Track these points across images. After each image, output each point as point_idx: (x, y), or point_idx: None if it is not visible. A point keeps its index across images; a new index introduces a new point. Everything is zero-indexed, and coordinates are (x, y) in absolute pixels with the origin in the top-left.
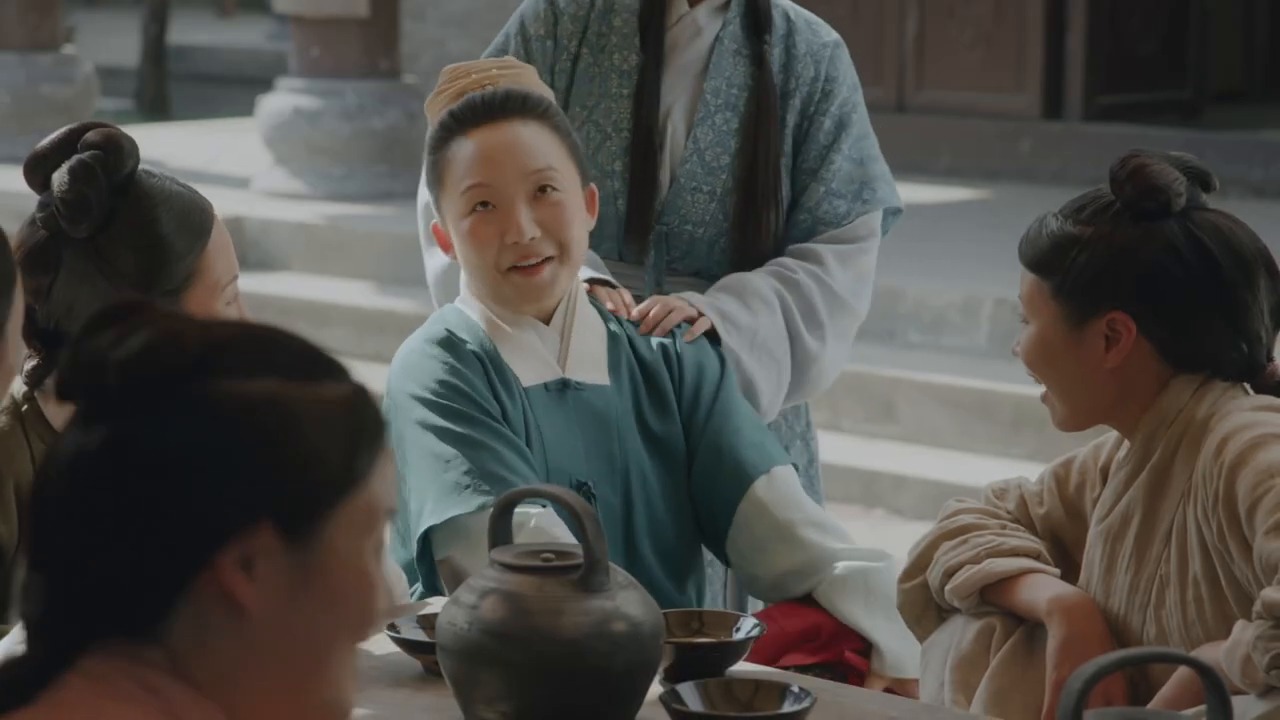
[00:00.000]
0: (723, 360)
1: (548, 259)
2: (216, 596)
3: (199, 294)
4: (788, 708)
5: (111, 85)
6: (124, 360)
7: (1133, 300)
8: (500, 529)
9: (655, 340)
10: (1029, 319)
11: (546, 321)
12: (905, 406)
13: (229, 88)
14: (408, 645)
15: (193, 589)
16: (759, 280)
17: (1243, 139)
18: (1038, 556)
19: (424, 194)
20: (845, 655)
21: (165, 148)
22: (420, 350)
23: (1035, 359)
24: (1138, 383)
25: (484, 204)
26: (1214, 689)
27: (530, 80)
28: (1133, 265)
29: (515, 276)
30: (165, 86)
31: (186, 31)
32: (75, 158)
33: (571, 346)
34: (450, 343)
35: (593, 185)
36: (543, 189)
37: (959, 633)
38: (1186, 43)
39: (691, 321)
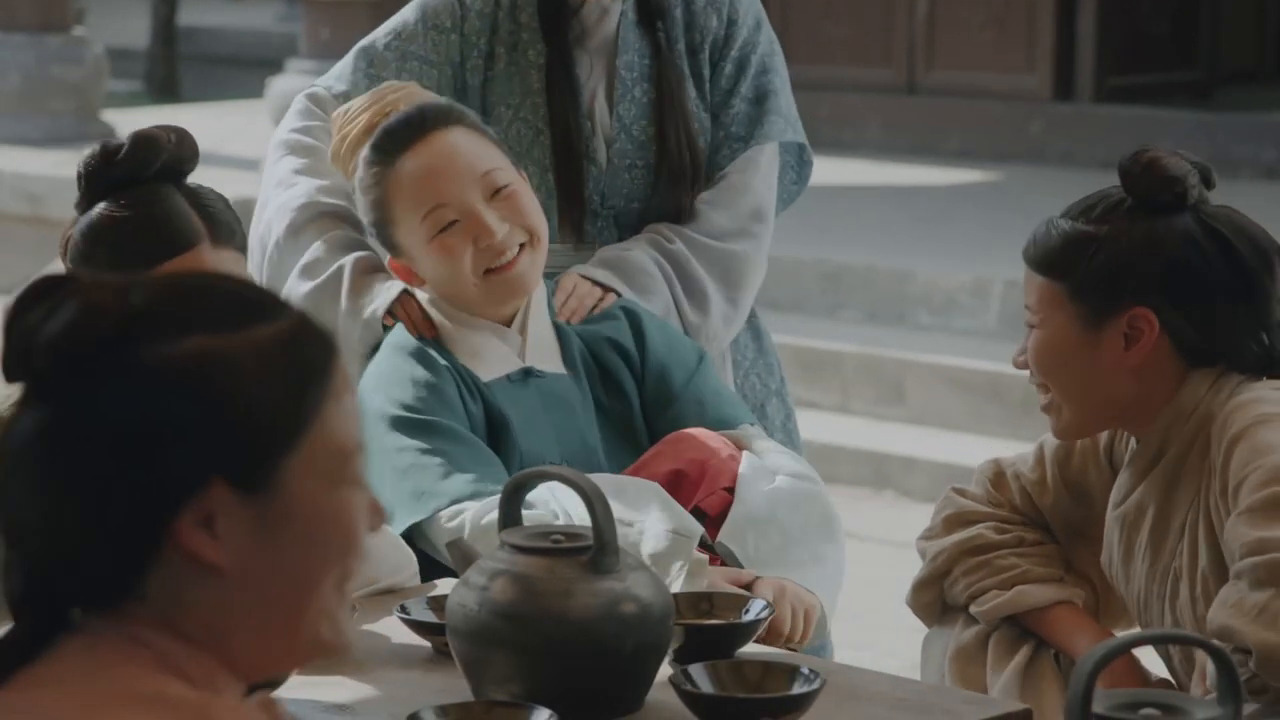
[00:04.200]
0: (700, 354)
1: (520, 247)
2: (185, 558)
3: None
4: (797, 689)
5: (121, 67)
6: (50, 339)
7: (1154, 295)
8: (510, 511)
9: (614, 339)
10: (1039, 324)
11: (506, 324)
12: (915, 388)
13: (239, 69)
14: (418, 627)
15: (160, 553)
16: (640, 254)
17: (1255, 120)
18: (1060, 580)
19: (283, 130)
20: (702, 502)
21: None
22: (389, 362)
23: (1047, 364)
24: (1154, 381)
25: (449, 222)
26: (1225, 671)
27: (420, 95)
28: (1154, 259)
29: (493, 278)
30: (175, 68)
31: (196, 13)
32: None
33: (529, 339)
34: (421, 353)
35: (523, 170)
36: (496, 190)
37: (959, 628)
38: (1198, 24)
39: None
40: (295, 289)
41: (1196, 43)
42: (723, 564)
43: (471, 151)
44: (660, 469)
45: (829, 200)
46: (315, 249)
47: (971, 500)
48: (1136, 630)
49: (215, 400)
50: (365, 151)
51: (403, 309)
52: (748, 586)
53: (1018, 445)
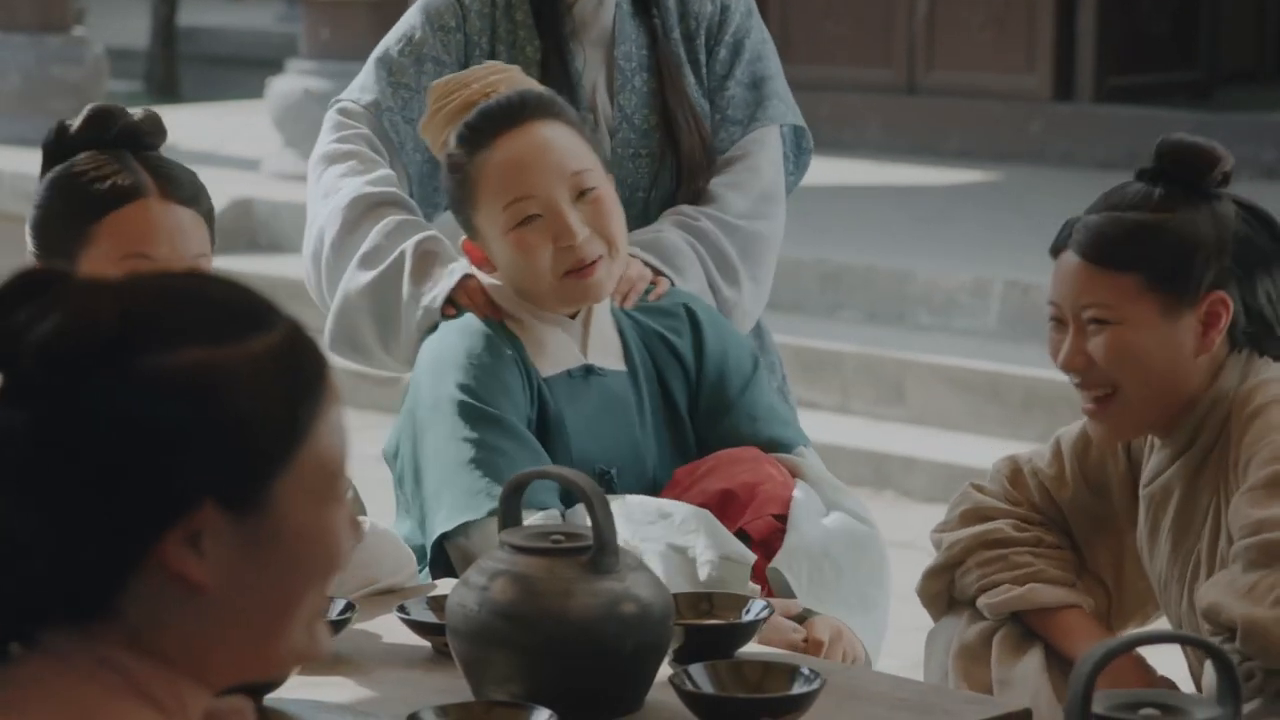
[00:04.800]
0: (756, 361)
1: (599, 258)
2: (168, 575)
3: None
4: (797, 689)
5: (121, 67)
6: (42, 340)
7: (1229, 277)
8: (509, 511)
9: (674, 340)
10: (1114, 320)
11: (573, 317)
12: (915, 388)
13: (239, 69)
14: (418, 627)
15: (141, 569)
16: (672, 235)
17: (1255, 120)
18: (1073, 586)
19: (319, 147)
20: (747, 525)
21: (175, 130)
22: (453, 342)
23: (1125, 360)
24: (1210, 368)
25: (531, 216)
26: (1224, 671)
27: (522, 80)
28: (1225, 240)
29: (571, 280)
30: (175, 68)
31: (196, 13)
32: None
33: (592, 334)
34: (489, 340)
35: (612, 173)
36: (584, 191)
37: (962, 624)
38: (1198, 23)
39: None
40: (356, 280)
41: (1196, 43)
42: (771, 592)
43: (565, 148)
44: (711, 487)
45: (829, 200)
46: (373, 237)
47: (989, 497)
48: (1135, 632)
49: (212, 415)
50: (459, 128)
51: (465, 294)
52: (799, 619)
53: (1017, 445)
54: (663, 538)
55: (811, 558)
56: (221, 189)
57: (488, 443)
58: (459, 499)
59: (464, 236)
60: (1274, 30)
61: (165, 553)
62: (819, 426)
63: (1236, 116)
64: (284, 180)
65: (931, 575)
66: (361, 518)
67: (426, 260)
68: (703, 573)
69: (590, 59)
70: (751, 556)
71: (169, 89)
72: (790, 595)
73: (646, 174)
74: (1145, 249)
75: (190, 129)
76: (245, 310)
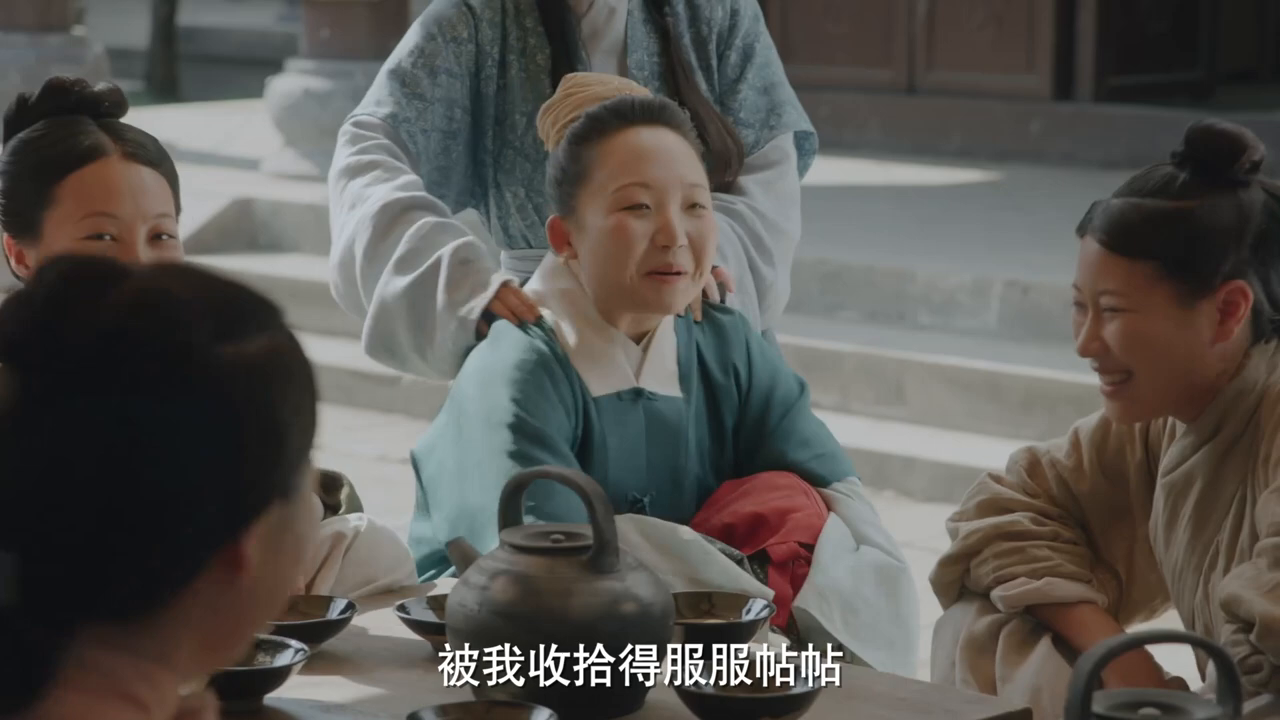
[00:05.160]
0: (802, 385)
1: (684, 272)
2: (217, 574)
3: (59, 220)
4: (797, 689)
5: (121, 67)
6: (110, 332)
7: (1247, 267)
8: (510, 510)
9: (731, 359)
10: (1129, 307)
11: (638, 342)
12: (915, 388)
13: (239, 69)
14: (418, 627)
15: (205, 568)
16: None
17: (1255, 120)
18: (1089, 583)
19: (339, 161)
20: (771, 548)
21: (175, 129)
22: (509, 353)
23: (1139, 346)
24: (1230, 357)
25: (640, 204)
26: (1225, 671)
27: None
28: (1244, 231)
29: (654, 280)
30: (175, 68)
31: (197, 13)
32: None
33: (649, 357)
34: (545, 356)
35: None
36: (692, 205)
37: (971, 615)
38: (1198, 23)
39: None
40: (392, 285)
41: (1196, 42)
42: (783, 628)
43: (689, 159)
44: (744, 509)
45: (829, 200)
46: (406, 241)
47: (1007, 488)
48: (1136, 632)
49: (284, 403)
50: (596, 107)
51: (503, 305)
52: None
53: (1017, 445)
54: (681, 573)
55: (842, 599)
56: (221, 189)
57: (535, 458)
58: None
59: (554, 214)
60: (1274, 30)
61: (236, 551)
62: None
63: (1236, 116)
64: (284, 180)
65: (947, 563)
66: (359, 515)
67: (463, 269)
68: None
69: (603, 67)
70: (768, 592)
71: (169, 89)
72: (821, 633)
73: None
74: (1161, 236)
75: (190, 129)
76: (265, 300)
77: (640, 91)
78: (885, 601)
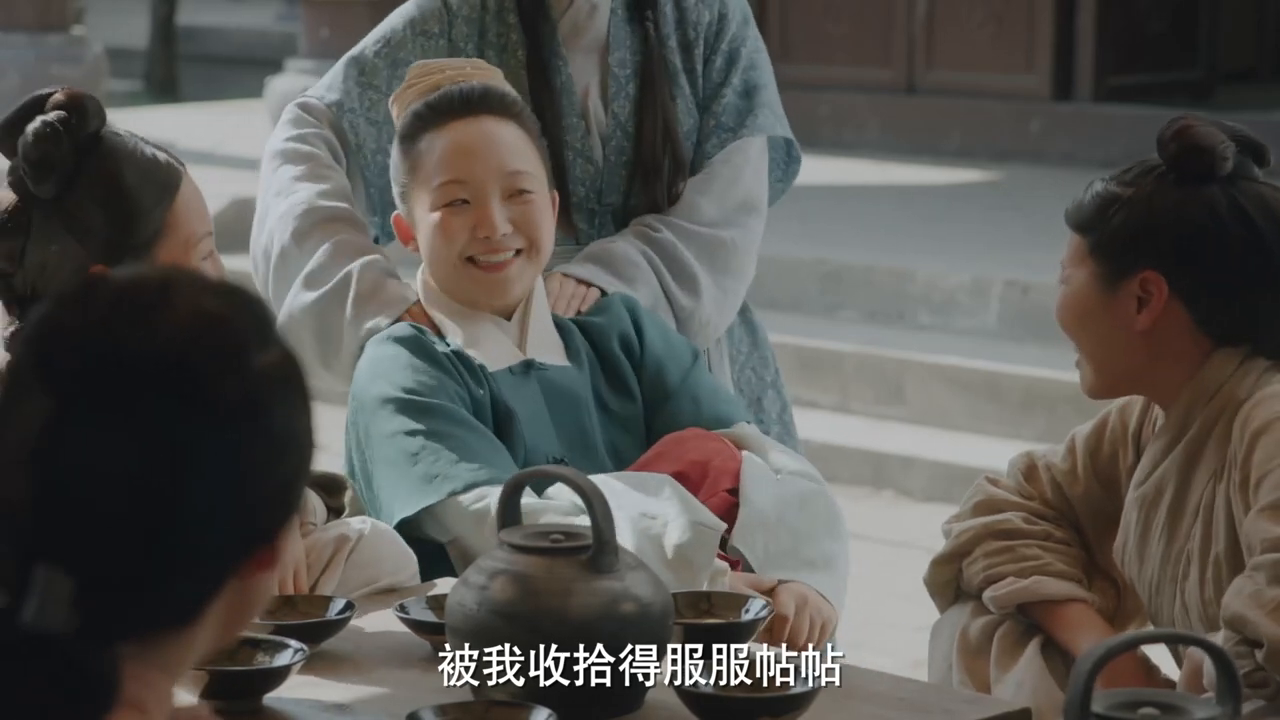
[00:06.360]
0: (695, 352)
1: (517, 252)
2: (242, 577)
3: (170, 248)
4: (797, 689)
5: (121, 66)
6: (175, 342)
7: (1166, 261)
8: (509, 510)
9: (617, 330)
10: (1065, 279)
11: (507, 318)
12: (914, 388)
13: (238, 69)
14: (418, 626)
15: (230, 579)
16: (625, 245)
17: (1254, 120)
18: (1079, 582)
19: (276, 141)
20: (705, 504)
21: (174, 129)
22: (386, 350)
23: (1069, 318)
24: (1172, 351)
25: (459, 200)
26: (1224, 670)
27: (500, 82)
28: (1169, 225)
29: (474, 270)
30: (174, 68)
31: (196, 12)
32: (39, 119)
33: (530, 332)
34: (418, 341)
35: (554, 190)
36: (516, 191)
37: (967, 617)
38: (1197, 22)
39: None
40: (300, 299)
41: (1196, 42)
42: (743, 568)
43: (511, 147)
44: (661, 470)
45: (829, 200)
46: (320, 255)
47: (1003, 490)
48: (1135, 632)
49: (306, 405)
50: (418, 104)
51: (410, 320)
52: (769, 592)
53: (1017, 445)
54: (635, 505)
55: (766, 528)
56: (220, 189)
57: (434, 431)
58: (415, 486)
59: (396, 211)
60: (1273, 30)
61: (271, 552)
62: (818, 426)
63: (1236, 116)
64: None
65: (939, 563)
66: (362, 518)
67: (373, 285)
68: (674, 537)
69: (584, 65)
70: (721, 524)
71: (168, 88)
72: (752, 569)
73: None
74: (1098, 216)
75: (189, 128)
76: (264, 304)
77: (484, 75)
78: (810, 523)
